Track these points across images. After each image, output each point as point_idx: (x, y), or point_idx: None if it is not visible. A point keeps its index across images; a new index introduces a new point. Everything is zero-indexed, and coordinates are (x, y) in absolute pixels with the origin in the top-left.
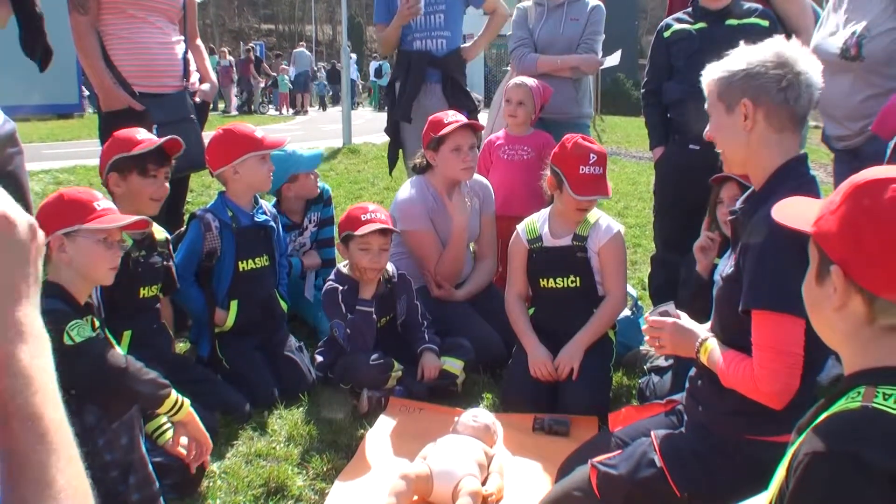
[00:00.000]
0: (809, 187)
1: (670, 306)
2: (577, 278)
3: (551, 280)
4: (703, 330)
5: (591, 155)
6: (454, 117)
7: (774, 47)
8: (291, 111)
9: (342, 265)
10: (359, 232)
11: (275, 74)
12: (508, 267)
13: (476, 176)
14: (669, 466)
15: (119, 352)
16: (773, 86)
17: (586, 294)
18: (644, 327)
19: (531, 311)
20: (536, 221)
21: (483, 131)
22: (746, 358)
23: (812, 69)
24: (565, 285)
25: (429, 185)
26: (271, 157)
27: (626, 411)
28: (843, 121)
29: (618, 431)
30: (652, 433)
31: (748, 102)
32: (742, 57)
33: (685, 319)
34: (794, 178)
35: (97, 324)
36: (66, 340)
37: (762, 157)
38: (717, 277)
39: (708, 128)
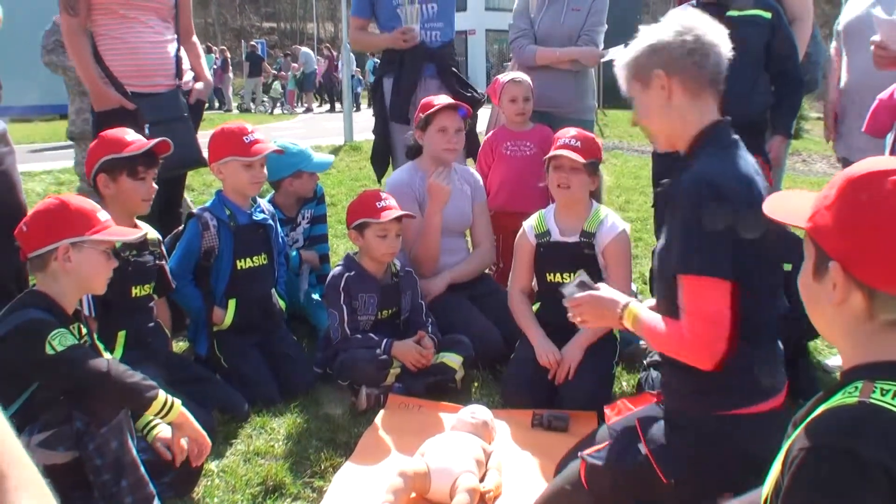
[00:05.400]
0: (734, 150)
1: (585, 276)
2: None
3: (558, 275)
4: (622, 296)
5: (571, 133)
6: (444, 99)
7: (672, 18)
8: (301, 108)
9: (352, 252)
10: (379, 220)
11: (274, 72)
12: (513, 263)
13: (463, 167)
14: (654, 453)
15: (102, 357)
16: (678, 52)
17: None
18: (565, 303)
19: (536, 305)
20: (544, 217)
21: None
22: (675, 321)
23: (712, 32)
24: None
25: (418, 170)
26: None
27: (620, 403)
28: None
29: (612, 423)
30: (636, 421)
31: (661, 73)
32: (643, 36)
33: (604, 289)
34: (717, 140)
35: (84, 331)
36: (48, 350)
37: (683, 123)
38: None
39: (633, 115)
